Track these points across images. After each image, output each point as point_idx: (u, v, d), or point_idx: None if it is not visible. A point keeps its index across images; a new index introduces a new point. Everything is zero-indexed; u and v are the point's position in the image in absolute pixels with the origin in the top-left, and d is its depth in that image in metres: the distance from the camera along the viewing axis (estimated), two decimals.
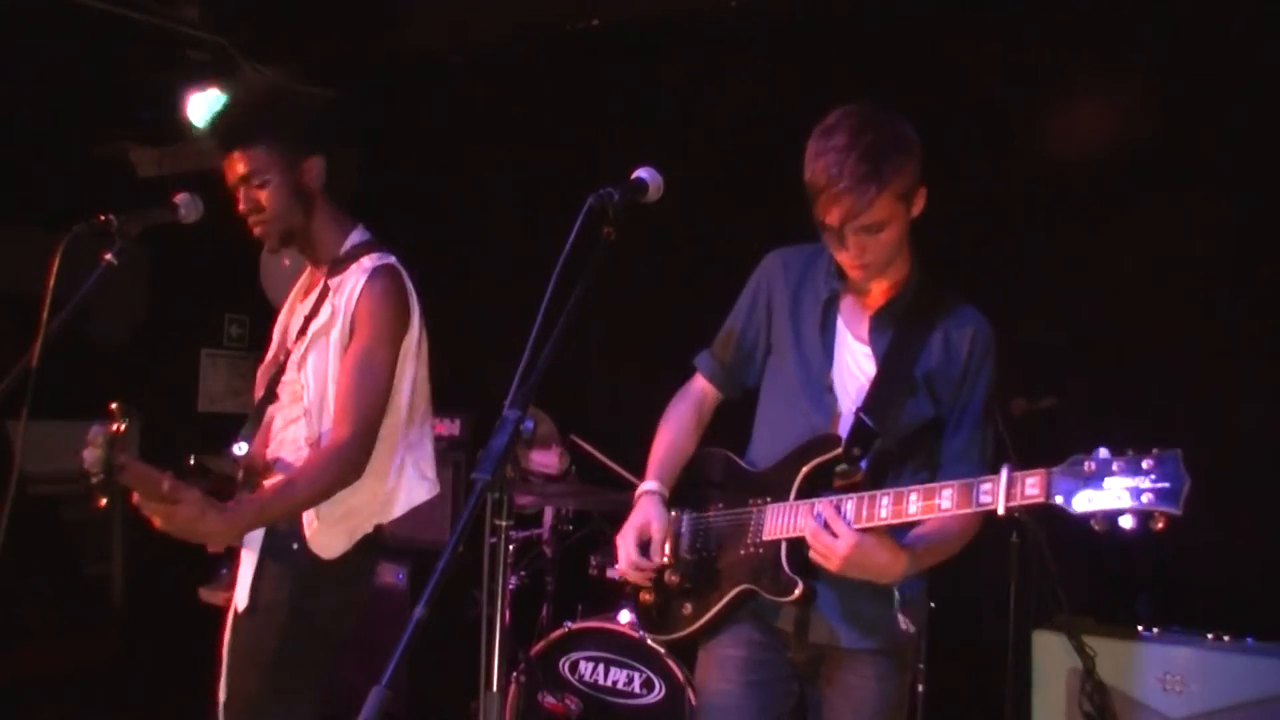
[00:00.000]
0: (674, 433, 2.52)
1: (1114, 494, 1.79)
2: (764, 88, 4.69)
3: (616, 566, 2.39)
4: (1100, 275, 4.13)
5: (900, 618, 2.23)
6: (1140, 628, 3.53)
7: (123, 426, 2.31)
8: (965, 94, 4.25)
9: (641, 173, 2.10)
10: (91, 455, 2.29)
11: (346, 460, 2.52)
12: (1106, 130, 3.95)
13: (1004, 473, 1.92)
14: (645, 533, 2.34)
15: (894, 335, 2.27)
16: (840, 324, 2.33)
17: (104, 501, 2.31)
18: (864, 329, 2.31)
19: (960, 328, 2.28)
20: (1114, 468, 1.80)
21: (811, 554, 2.10)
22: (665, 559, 2.34)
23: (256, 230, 2.71)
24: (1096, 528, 1.81)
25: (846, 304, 2.34)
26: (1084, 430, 4.06)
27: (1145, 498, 1.76)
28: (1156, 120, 3.89)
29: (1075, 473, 1.84)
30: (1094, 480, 1.81)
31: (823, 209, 2.13)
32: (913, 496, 2.03)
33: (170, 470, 2.38)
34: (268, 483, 2.68)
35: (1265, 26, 3.76)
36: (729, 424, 2.62)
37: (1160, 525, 1.76)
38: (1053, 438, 3.88)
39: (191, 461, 2.72)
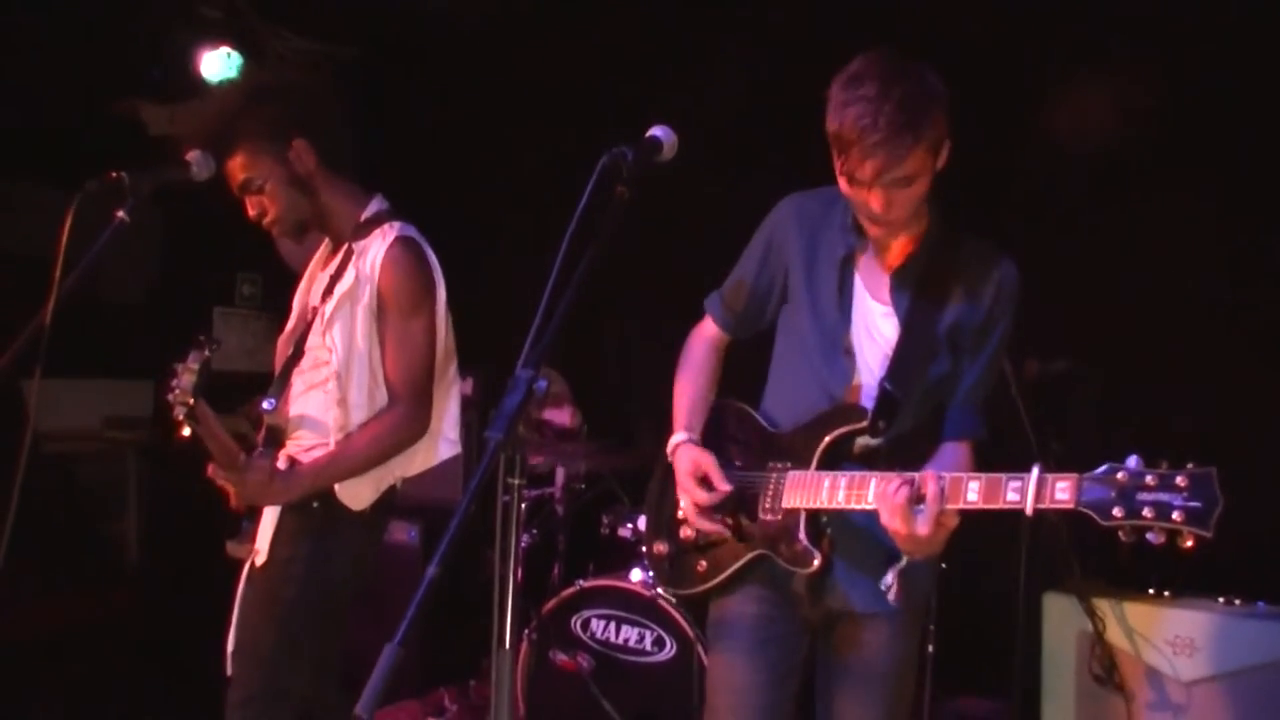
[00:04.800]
0: (695, 382, 2.49)
1: (1144, 508, 1.76)
2: (776, 49, 4.64)
3: (690, 521, 2.32)
4: (1108, 257, 4.10)
5: (891, 581, 2.18)
6: (1151, 591, 3.52)
7: (211, 352, 2.42)
8: (971, 76, 4.18)
9: (656, 131, 2.06)
10: (186, 380, 2.41)
11: (400, 428, 2.67)
12: (1113, 116, 3.91)
13: (1034, 472, 1.89)
14: (699, 470, 2.30)
15: (915, 296, 2.21)
16: (858, 283, 2.27)
17: (189, 431, 2.39)
18: (883, 289, 2.25)
19: (984, 274, 2.22)
20: (1147, 480, 1.77)
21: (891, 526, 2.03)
22: (728, 485, 2.28)
23: (274, 231, 2.80)
24: (1123, 538, 1.78)
25: (864, 261, 2.28)
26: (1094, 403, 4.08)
27: (1176, 516, 1.73)
28: (1167, 107, 3.85)
29: (1107, 481, 1.81)
30: (1125, 492, 1.78)
31: (853, 162, 2.04)
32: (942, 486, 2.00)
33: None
34: (292, 440, 2.76)
35: (1268, 21, 3.70)
36: (738, 367, 2.61)
37: (1189, 544, 1.73)
38: (1065, 402, 3.90)
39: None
